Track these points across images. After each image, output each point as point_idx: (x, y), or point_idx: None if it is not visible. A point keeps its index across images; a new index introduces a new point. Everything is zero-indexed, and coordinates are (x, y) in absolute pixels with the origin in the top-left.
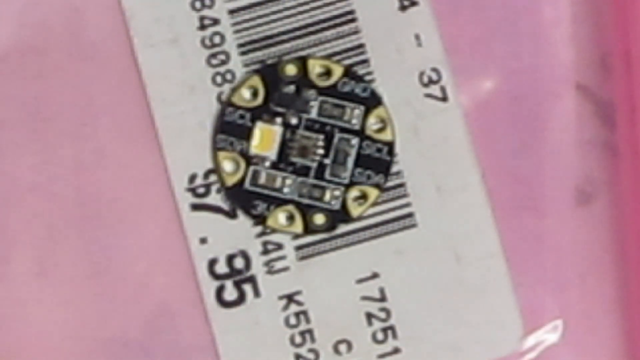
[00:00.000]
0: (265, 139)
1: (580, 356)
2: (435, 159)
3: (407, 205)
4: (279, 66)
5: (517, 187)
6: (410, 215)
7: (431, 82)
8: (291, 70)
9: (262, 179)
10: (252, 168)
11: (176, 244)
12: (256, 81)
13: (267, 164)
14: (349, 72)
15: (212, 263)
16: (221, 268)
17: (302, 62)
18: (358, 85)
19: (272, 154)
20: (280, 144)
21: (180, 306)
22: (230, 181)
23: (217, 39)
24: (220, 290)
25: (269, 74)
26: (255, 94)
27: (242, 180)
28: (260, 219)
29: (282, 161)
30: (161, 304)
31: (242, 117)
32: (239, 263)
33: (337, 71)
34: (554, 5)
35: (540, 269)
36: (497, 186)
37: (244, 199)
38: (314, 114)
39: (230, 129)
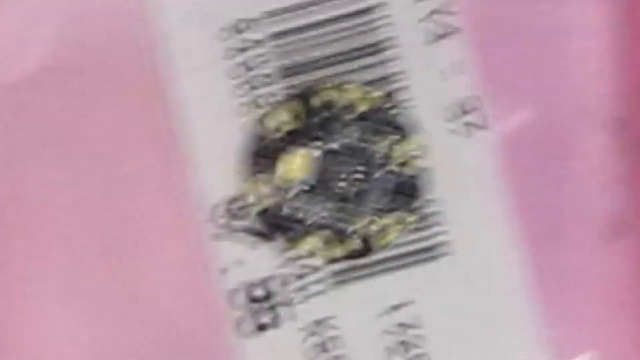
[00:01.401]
0: (301, 163)
1: None
2: (469, 189)
3: (440, 233)
4: (317, 92)
5: (548, 219)
6: (443, 243)
7: (468, 111)
8: (328, 96)
9: (297, 204)
10: (284, 194)
11: (202, 270)
12: (294, 106)
13: (300, 190)
14: (387, 99)
15: (238, 289)
16: (246, 293)
17: (340, 88)
18: (396, 112)
19: (307, 178)
20: (316, 169)
21: (206, 331)
22: (266, 205)
23: (251, 63)
24: (242, 319)
25: (307, 99)
26: (292, 118)
27: (278, 204)
28: (294, 244)
29: (318, 186)
30: (184, 332)
31: (276, 141)
32: (272, 288)
33: (375, 98)
34: (587, 37)
35: (571, 302)
36: (527, 218)
37: (279, 224)
38: (350, 140)
39: (264, 153)
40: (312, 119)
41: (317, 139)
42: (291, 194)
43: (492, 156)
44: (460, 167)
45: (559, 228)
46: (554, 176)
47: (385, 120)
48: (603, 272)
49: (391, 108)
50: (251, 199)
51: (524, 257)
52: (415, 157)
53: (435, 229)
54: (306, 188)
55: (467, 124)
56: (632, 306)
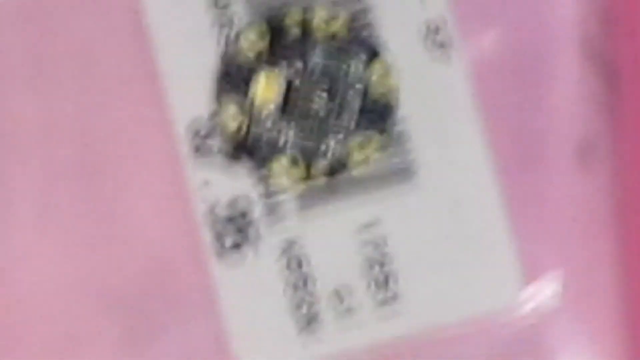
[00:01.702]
0: (269, 85)
1: (579, 307)
2: (438, 110)
3: (409, 154)
4: (283, 12)
5: (519, 140)
6: (412, 164)
7: (434, 31)
8: (295, 16)
9: (265, 125)
10: (255, 113)
11: (177, 188)
12: (261, 28)
13: (271, 110)
14: (352, 20)
15: (213, 207)
16: (221, 212)
17: (307, 8)
18: (362, 33)
19: (275, 100)
20: (284, 91)
21: (182, 250)
22: (234, 126)
23: None
24: (220, 235)
25: (274, 20)
26: (259, 40)
27: (246, 126)
28: (261, 165)
29: (285, 108)
30: (163, 249)
31: (246, 63)
32: (239, 208)
33: (342, 19)
34: None
35: (541, 221)
36: (498, 139)
37: (246, 145)
38: (318, 60)
39: (234, 74)
40: (279, 40)
41: (285, 60)
42: (260, 114)
43: (462, 77)
44: (430, 88)
45: (530, 148)
46: (525, 98)
47: (353, 41)
48: (575, 193)
49: (359, 28)
50: (223, 119)
51: (494, 177)
52: (383, 77)
53: (404, 150)
54: (274, 109)
55: (436, 44)
56: (600, 225)
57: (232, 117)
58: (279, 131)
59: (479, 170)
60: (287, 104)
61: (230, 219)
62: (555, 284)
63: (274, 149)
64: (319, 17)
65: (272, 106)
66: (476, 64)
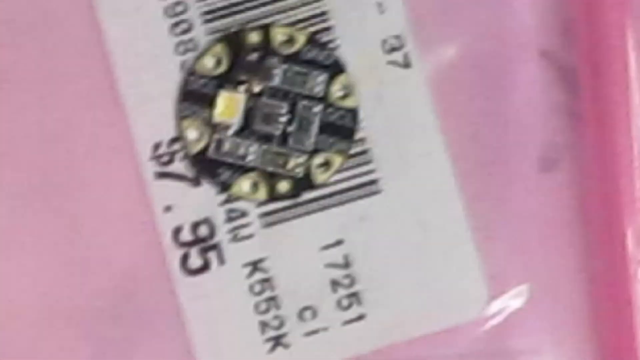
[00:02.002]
0: (229, 106)
1: (545, 320)
2: (399, 126)
3: (371, 171)
4: (242, 34)
5: (481, 152)
6: (374, 181)
7: (394, 49)
8: (254, 38)
9: (226, 147)
10: (216, 136)
11: (141, 211)
12: (220, 49)
13: (231, 131)
14: (312, 40)
15: (177, 231)
16: (186, 236)
17: (266, 29)
18: (321, 52)
19: (235, 121)
20: (244, 112)
21: (146, 274)
22: (195, 149)
23: (180, 7)
24: (185, 258)
25: (233, 42)
26: (218, 62)
27: (206, 148)
28: (224, 187)
29: (246, 129)
30: (127, 272)
31: (205, 85)
32: (203, 230)
33: (301, 39)
34: None
35: (505, 235)
36: (460, 152)
37: (209, 167)
38: (277, 81)
39: (194, 97)
40: (239, 61)
41: (245, 81)
42: (221, 137)
43: (420, 93)
44: (388, 105)
45: (492, 161)
46: (486, 110)
47: (311, 61)
48: (537, 204)
49: (316, 48)
50: (184, 142)
51: (457, 192)
52: (341, 98)
53: (364, 168)
54: (235, 131)
55: (393, 62)
56: (565, 238)
57: (193, 140)
58: (240, 153)
59: (442, 185)
60: (248, 125)
61: (195, 242)
62: (520, 298)
63: (236, 171)
64: (278, 37)
65: (232, 128)
66: (437, 77)
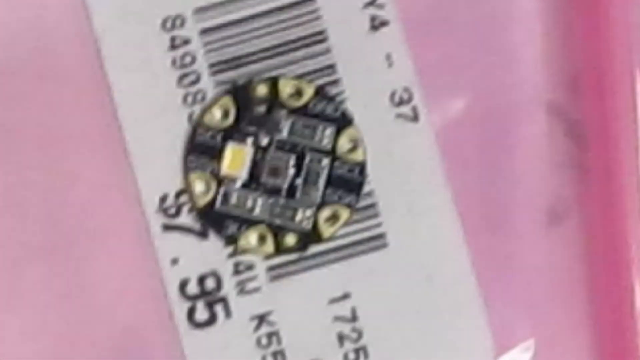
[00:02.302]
0: (236, 159)
1: None
2: (406, 180)
3: (378, 225)
4: (250, 86)
5: (488, 207)
6: (381, 235)
7: (402, 102)
8: (262, 90)
9: (233, 200)
10: (223, 189)
11: (147, 265)
12: (227, 101)
13: (238, 184)
14: (320, 93)
15: (184, 284)
16: (192, 289)
17: (273, 82)
18: (329, 105)
19: (243, 174)
20: (251, 165)
21: (152, 327)
22: (202, 202)
23: (187, 59)
24: (191, 311)
25: (240, 94)
26: (226, 114)
27: (213, 200)
28: (231, 240)
29: (253, 182)
30: (132, 326)
31: (212, 137)
32: (210, 284)
33: (308, 91)
34: (524, 25)
35: (511, 289)
36: (467, 207)
37: (215, 220)
38: (285, 134)
39: (201, 149)
40: (246, 114)
41: (252, 134)
42: (228, 190)
43: (427, 147)
44: (395, 158)
45: (499, 215)
46: (494, 164)
47: (318, 114)
48: (544, 259)
49: (324, 101)
50: (191, 194)
51: (464, 246)
52: (349, 151)
53: (371, 222)
54: (240, 184)
55: (401, 116)
56: (571, 293)
57: (200, 193)
58: (247, 206)
59: (449, 239)
60: (255, 178)
61: (201, 295)
62: (527, 353)
63: (242, 224)
64: (285, 91)
65: (239, 181)
66: (444, 131)
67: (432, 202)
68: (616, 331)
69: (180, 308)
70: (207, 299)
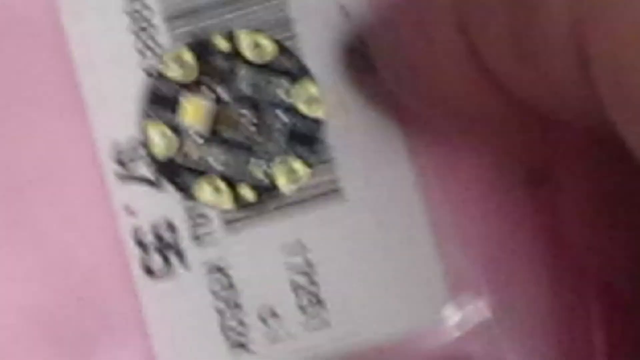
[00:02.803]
0: (194, 112)
1: (505, 320)
2: (363, 132)
3: (334, 178)
4: (210, 40)
5: (443, 157)
6: (337, 188)
7: (359, 52)
8: (221, 44)
9: (191, 152)
10: (180, 140)
11: (102, 213)
12: (186, 54)
13: (196, 137)
14: (279, 48)
15: (139, 233)
16: (147, 238)
17: (232, 36)
18: (288, 60)
19: (201, 127)
20: (209, 118)
21: (108, 277)
22: (159, 153)
23: (146, 12)
24: (146, 260)
25: (200, 47)
26: (185, 66)
27: (171, 152)
28: (187, 191)
29: (211, 134)
30: (89, 274)
31: (171, 89)
32: (165, 233)
33: (267, 46)
34: None
35: (466, 237)
36: (423, 157)
37: (172, 171)
38: (244, 88)
39: (160, 101)
40: (205, 66)
41: (211, 86)
42: (185, 140)
43: (387, 94)
44: (354, 112)
45: (456, 165)
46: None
47: (277, 69)
48: (499, 207)
49: (283, 56)
50: (147, 144)
51: (419, 197)
52: (308, 105)
53: (328, 175)
54: (200, 134)
55: (360, 65)
56: (525, 239)
57: (157, 144)
58: (204, 156)
59: (405, 191)
60: (213, 131)
61: (156, 244)
62: (480, 298)
63: (199, 174)
64: (244, 45)
65: (197, 132)
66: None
67: (389, 154)
68: (574, 282)
69: (136, 257)
70: (162, 249)
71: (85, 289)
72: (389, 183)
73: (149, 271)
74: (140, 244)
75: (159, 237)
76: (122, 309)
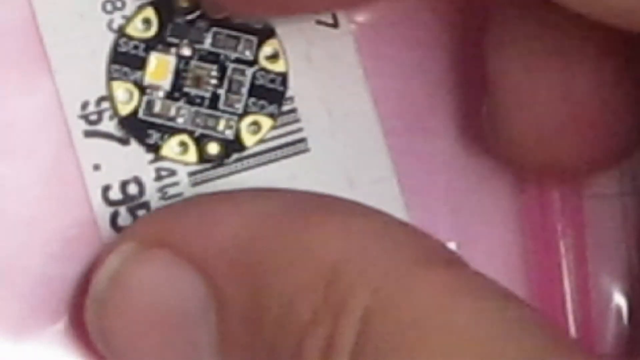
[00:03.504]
0: (159, 69)
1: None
2: (327, 85)
3: (299, 130)
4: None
5: (408, 109)
6: (302, 140)
7: None
8: (185, 2)
9: (156, 108)
10: (146, 97)
11: (70, 170)
12: (150, 12)
13: (161, 93)
14: None
15: (106, 190)
16: (115, 195)
17: None
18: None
19: (166, 83)
20: (174, 74)
21: (76, 232)
22: (124, 110)
23: None
24: (114, 217)
25: (162, 4)
26: (149, 24)
27: (136, 109)
28: (153, 147)
29: (176, 91)
30: (56, 230)
31: (135, 47)
32: (132, 189)
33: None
34: None
35: (433, 191)
36: (388, 110)
37: (138, 128)
38: (207, 44)
39: (124, 58)
40: (169, 24)
41: (175, 44)
42: (150, 98)
43: (347, 52)
44: (315, 65)
45: (419, 117)
46: (414, 67)
47: (240, 25)
48: (466, 160)
49: None
50: (114, 101)
51: (384, 149)
52: (271, 61)
53: (292, 127)
54: (164, 93)
55: (321, 23)
56: (496, 191)
57: (122, 101)
58: (170, 114)
59: (370, 142)
60: (178, 88)
61: (124, 201)
62: None
63: (165, 133)
64: (207, 1)
65: (162, 90)
66: (364, 35)
67: (353, 106)
68: (541, 231)
69: (104, 213)
70: (129, 205)
71: (54, 245)
72: (355, 133)
73: (116, 228)
74: (108, 200)
75: (126, 193)
76: (91, 265)
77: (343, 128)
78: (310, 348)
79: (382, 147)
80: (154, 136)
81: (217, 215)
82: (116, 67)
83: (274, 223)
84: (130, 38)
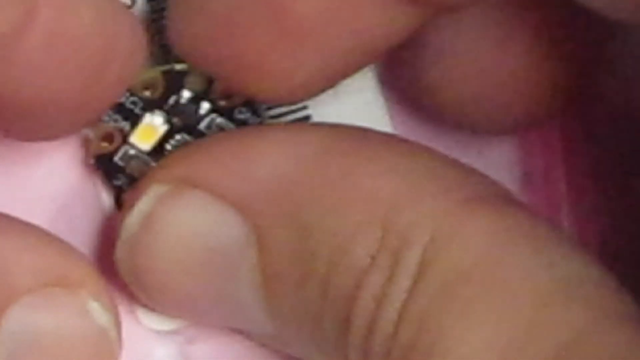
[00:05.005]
0: (146, 133)
1: None
2: None
3: (304, 108)
4: (185, 75)
5: (414, 87)
6: (307, 117)
7: None
8: (195, 83)
9: (131, 161)
10: (125, 148)
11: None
12: (158, 79)
13: (140, 152)
14: (247, 102)
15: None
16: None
17: (208, 80)
18: (253, 117)
19: (147, 146)
20: (158, 141)
21: (78, 205)
22: (103, 150)
23: None
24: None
25: (174, 78)
26: (153, 88)
27: (113, 153)
28: (117, 190)
29: (155, 153)
30: (59, 201)
31: (134, 103)
32: None
33: (236, 98)
34: None
35: None
36: (393, 88)
37: (109, 168)
38: (202, 127)
39: (119, 108)
40: (169, 97)
41: (169, 116)
42: (127, 151)
43: None
44: None
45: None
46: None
47: (241, 121)
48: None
49: (249, 112)
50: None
51: (391, 128)
52: None
53: (298, 104)
54: (141, 152)
55: None
56: None
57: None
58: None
59: (375, 121)
60: (157, 151)
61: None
62: None
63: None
64: (218, 89)
65: (142, 149)
66: None
67: (358, 83)
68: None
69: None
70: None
71: (61, 220)
72: (360, 113)
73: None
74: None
75: None
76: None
77: (348, 107)
78: (365, 295)
79: (387, 126)
80: (122, 180)
81: (253, 154)
82: (110, 113)
83: (318, 161)
84: (131, 93)
